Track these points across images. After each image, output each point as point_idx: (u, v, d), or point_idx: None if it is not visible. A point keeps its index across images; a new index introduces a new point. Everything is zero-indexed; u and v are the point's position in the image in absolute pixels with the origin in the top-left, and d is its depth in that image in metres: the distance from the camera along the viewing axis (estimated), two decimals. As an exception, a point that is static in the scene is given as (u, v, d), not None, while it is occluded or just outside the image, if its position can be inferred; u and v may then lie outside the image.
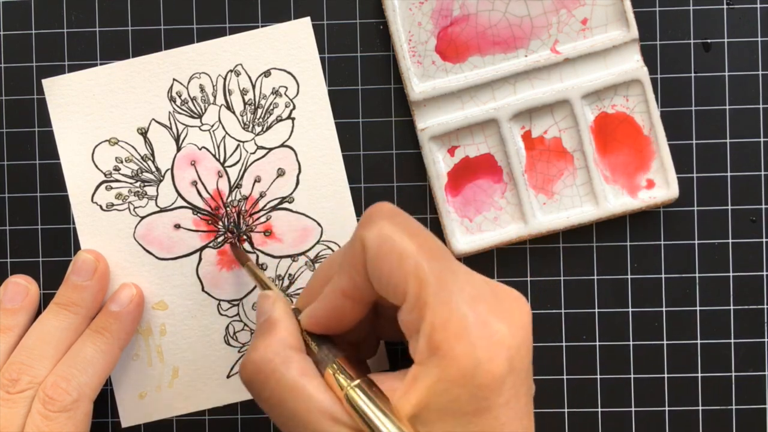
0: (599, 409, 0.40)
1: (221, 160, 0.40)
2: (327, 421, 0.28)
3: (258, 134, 0.40)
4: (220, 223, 0.40)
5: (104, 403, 0.40)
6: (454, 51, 0.40)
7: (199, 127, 0.40)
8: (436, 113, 0.40)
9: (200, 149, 0.40)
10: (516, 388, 0.27)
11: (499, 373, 0.26)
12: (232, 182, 0.40)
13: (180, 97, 0.40)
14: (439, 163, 0.40)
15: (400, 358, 0.40)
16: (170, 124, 0.40)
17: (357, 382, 0.28)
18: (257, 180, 0.40)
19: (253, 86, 0.40)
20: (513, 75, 0.39)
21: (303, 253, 0.40)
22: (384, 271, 0.28)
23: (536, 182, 0.40)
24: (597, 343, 0.40)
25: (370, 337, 0.35)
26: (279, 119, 0.40)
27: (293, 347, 0.30)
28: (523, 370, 0.27)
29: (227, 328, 0.40)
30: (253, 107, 0.40)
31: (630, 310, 0.40)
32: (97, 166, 0.40)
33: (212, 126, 0.40)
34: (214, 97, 0.40)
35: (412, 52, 0.39)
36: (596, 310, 0.40)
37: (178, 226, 0.40)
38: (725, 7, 0.40)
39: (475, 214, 0.40)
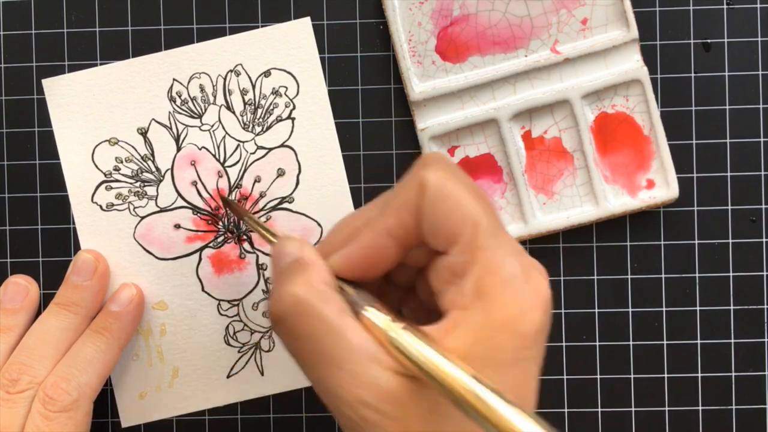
0: (599, 409, 0.40)
1: (221, 160, 0.40)
2: (367, 362, 0.26)
3: (258, 134, 0.40)
4: (220, 223, 0.40)
5: (104, 403, 0.40)
6: (454, 51, 0.40)
7: (199, 127, 0.40)
8: (436, 113, 0.40)
9: (200, 149, 0.40)
10: (543, 344, 0.27)
11: (540, 324, 0.26)
12: (232, 182, 0.40)
13: (180, 97, 0.40)
14: (438, 164, 0.40)
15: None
16: (170, 124, 0.40)
17: (403, 324, 0.26)
18: (257, 180, 0.40)
19: (253, 86, 0.40)
20: (513, 75, 0.39)
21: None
22: (441, 211, 0.27)
23: (536, 182, 0.40)
24: (597, 343, 0.40)
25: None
26: (279, 119, 0.40)
27: (332, 286, 0.29)
28: (546, 328, 0.27)
29: (227, 328, 0.40)
30: (253, 107, 0.40)
31: (630, 310, 0.40)
32: (97, 166, 0.40)
33: (212, 126, 0.40)
34: (214, 97, 0.40)
35: (412, 52, 0.39)
36: (596, 310, 0.40)
37: (178, 226, 0.40)
38: (725, 7, 0.40)
39: (475, 214, 0.40)
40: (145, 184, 0.40)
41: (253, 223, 0.36)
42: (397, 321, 0.27)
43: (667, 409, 0.40)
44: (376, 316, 0.27)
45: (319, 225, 0.40)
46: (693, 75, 0.40)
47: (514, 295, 0.26)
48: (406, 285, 0.32)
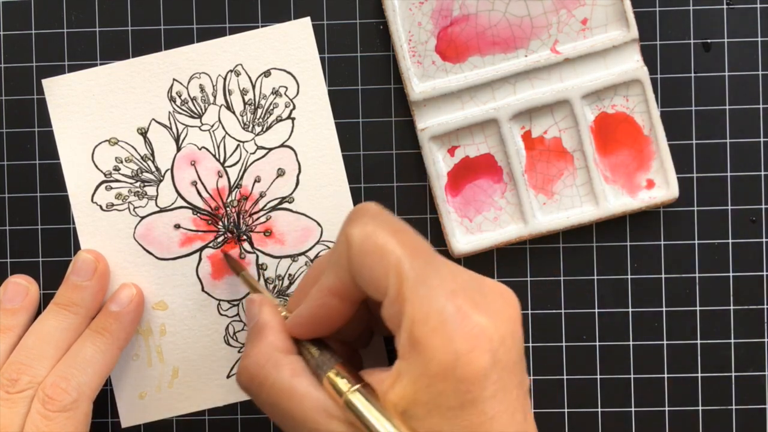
0: (599, 409, 0.40)
1: (221, 160, 0.40)
2: (322, 417, 0.28)
3: (258, 134, 0.40)
4: (220, 223, 0.40)
5: (104, 403, 0.40)
6: (454, 51, 0.40)
7: (199, 127, 0.40)
8: (436, 113, 0.40)
9: (200, 149, 0.40)
10: (503, 382, 0.27)
11: (480, 365, 0.26)
12: (232, 182, 0.40)
13: (180, 97, 0.40)
14: (439, 163, 0.40)
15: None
16: (170, 124, 0.40)
17: (355, 387, 0.28)
18: (257, 180, 0.40)
19: (253, 86, 0.40)
20: (513, 75, 0.39)
21: (303, 253, 0.40)
22: (366, 266, 0.28)
23: (536, 182, 0.40)
24: (597, 343, 0.40)
25: (365, 333, 0.36)
26: (279, 119, 0.40)
27: (282, 350, 0.31)
28: (510, 361, 0.27)
29: (227, 328, 0.40)
30: (253, 107, 0.40)
31: (630, 310, 0.40)
32: (97, 166, 0.40)
33: (212, 126, 0.40)
34: (214, 97, 0.40)
35: (412, 52, 0.39)
36: (596, 310, 0.40)
37: (178, 226, 0.40)
38: (725, 7, 0.40)
39: (475, 214, 0.40)
40: (145, 184, 0.40)
41: (246, 283, 0.38)
42: (352, 382, 0.29)
43: (667, 409, 0.40)
44: (334, 381, 0.29)
45: (319, 225, 0.40)
46: (693, 75, 0.40)
47: (445, 342, 0.26)
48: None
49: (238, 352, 0.40)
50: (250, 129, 0.40)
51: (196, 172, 0.40)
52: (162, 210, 0.40)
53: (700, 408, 0.40)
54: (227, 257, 0.40)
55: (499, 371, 0.27)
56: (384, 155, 0.40)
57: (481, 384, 0.26)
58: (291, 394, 0.29)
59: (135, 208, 0.40)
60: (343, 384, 0.29)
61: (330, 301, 0.30)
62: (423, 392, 0.27)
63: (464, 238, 0.40)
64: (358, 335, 0.35)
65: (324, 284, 0.30)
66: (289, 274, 0.40)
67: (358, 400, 0.28)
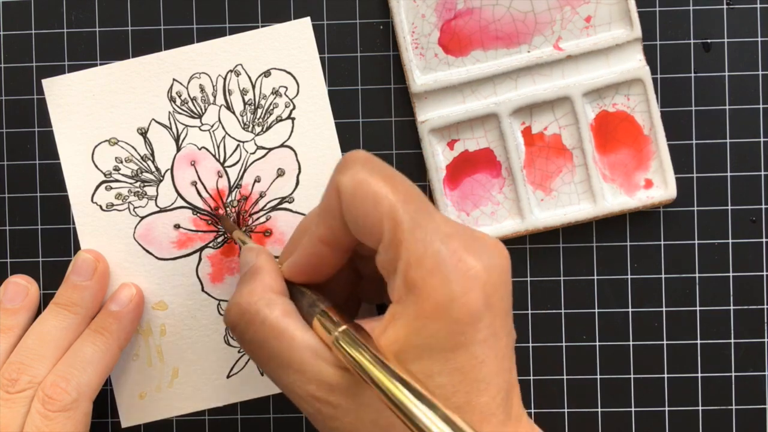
0: (599, 409, 0.40)
1: (221, 160, 0.40)
2: (311, 359, 0.28)
3: (258, 134, 0.40)
4: (220, 223, 0.40)
5: (104, 403, 0.40)
6: (456, 44, 0.40)
7: (199, 127, 0.40)
8: (437, 106, 0.40)
9: (200, 149, 0.40)
10: (494, 327, 0.27)
11: (474, 307, 0.26)
12: (232, 182, 0.40)
13: (180, 97, 0.40)
14: (438, 156, 0.40)
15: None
16: (170, 124, 0.40)
17: (344, 327, 0.28)
18: (257, 180, 0.40)
19: (253, 86, 0.40)
20: (515, 70, 0.39)
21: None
22: (359, 213, 0.28)
23: (534, 178, 0.40)
24: (597, 343, 0.40)
25: (351, 299, 0.35)
26: (279, 119, 0.40)
27: (276, 291, 0.31)
28: (501, 309, 0.27)
29: (227, 328, 0.40)
30: (253, 107, 0.40)
31: (630, 310, 0.40)
32: (97, 166, 0.40)
33: (212, 126, 0.40)
34: (214, 97, 0.40)
35: (415, 44, 0.39)
36: (596, 310, 0.40)
37: (178, 226, 0.40)
38: (725, 7, 0.40)
39: (473, 208, 0.40)
40: (145, 184, 0.40)
41: (240, 242, 0.37)
42: (343, 324, 0.28)
43: (667, 409, 0.40)
44: (322, 322, 0.29)
45: (319, 225, 0.40)
46: (693, 75, 0.40)
47: (440, 283, 0.26)
48: (375, 276, 0.32)
49: (238, 352, 0.40)
50: (250, 129, 0.40)
51: (196, 172, 0.40)
52: (162, 210, 0.40)
53: (700, 408, 0.40)
54: (221, 219, 0.40)
55: (492, 316, 0.27)
56: (384, 155, 0.40)
57: (474, 326, 0.26)
58: (280, 333, 0.29)
59: (135, 208, 0.40)
60: (330, 324, 0.28)
61: (322, 249, 0.30)
62: (416, 334, 0.27)
63: (463, 237, 0.40)
64: (345, 301, 0.35)
65: (315, 233, 0.30)
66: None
67: (348, 339, 0.27)
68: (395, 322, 0.27)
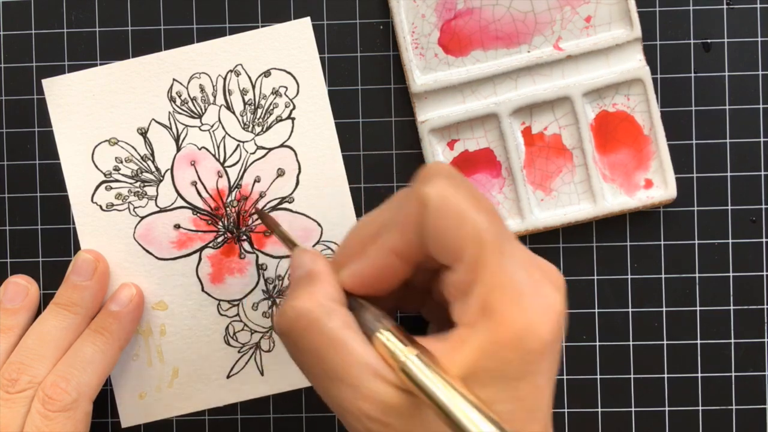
0: (599, 409, 0.40)
1: (221, 160, 0.40)
2: (369, 376, 0.27)
3: (258, 134, 0.40)
4: (220, 223, 0.40)
5: (104, 403, 0.40)
6: (456, 44, 0.40)
7: (198, 127, 0.40)
8: (437, 106, 0.40)
9: (200, 149, 0.40)
10: (554, 357, 0.27)
11: (548, 339, 0.26)
12: (231, 182, 0.40)
13: (180, 97, 0.40)
14: (438, 156, 0.40)
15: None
16: (170, 124, 0.40)
17: (416, 353, 0.27)
18: (257, 180, 0.40)
19: (253, 86, 0.40)
20: (515, 70, 0.39)
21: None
22: (442, 230, 0.27)
23: (534, 178, 0.40)
24: (597, 343, 0.40)
25: (392, 310, 0.34)
26: (279, 119, 0.40)
27: (337, 300, 0.29)
28: (560, 339, 0.27)
29: (227, 328, 0.40)
30: (253, 107, 0.40)
31: (630, 310, 0.40)
32: (97, 166, 0.40)
33: (212, 126, 0.40)
34: (214, 97, 0.40)
35: (415, 44, 0.39)
36: (596, 310, 0.40)
37: (178, 226, 0.40)
38: (725, 7, 0.40)
39: (473, 208, 0.40)
40: (145, 184, 0.40)
41: (282, 238, 0.36)
42: (410, 346, 0.27)
43: (667, 409, 0.40)
44: (389, 341, 0.27)
45: (319, 225, 0.40)
46: (693, 75, 0.40)
47: (520, 312, 0.26)
48: (424, 287, 0.32)
49: (239, 352, 0.40)
50: (250, 129, 0.40)
51: (196, 172, 0.40)
52: (162, 210, 0.40)
53: (700, 408, 0.40)
54: (260, 215, 0.39)
55: (554, 346, 0.27)
56: (384, 155, 0.40)
57: (544, 357, 0.26)
58: (339, 345, 0.27)
59: (135, 208, 0.40)
60: (398, 345, 0.27)
61: (392, 260, 0.29)
62: (487, 361, 0.26)
63: (464, 237, 0.40)
64: (387, 311, 0.34)
65: (386, 243, 0.29)
66: (289, 275, 0.40)
67: (417, 364, 0.26)
68: (465, 346, 0.26)
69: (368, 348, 0.27)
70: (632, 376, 0.40)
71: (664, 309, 0.40)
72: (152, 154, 0.40)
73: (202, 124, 0.40)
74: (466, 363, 0.26)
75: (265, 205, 0.40)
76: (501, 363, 0.26)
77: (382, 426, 0.27)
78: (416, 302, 0.33)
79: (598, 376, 0.40)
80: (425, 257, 0.29)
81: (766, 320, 0.40)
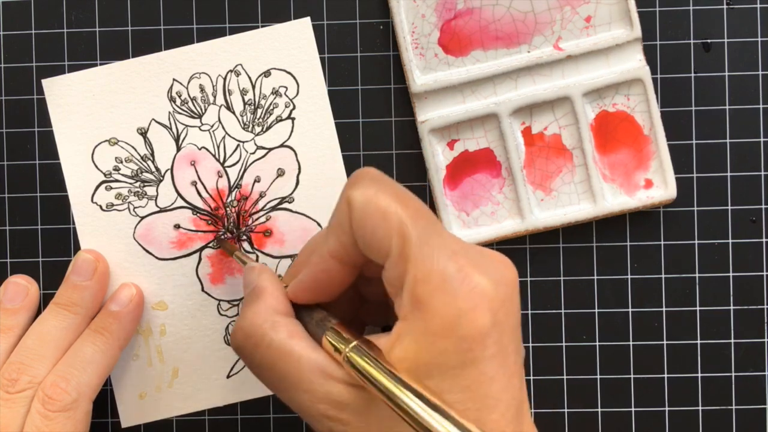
0: (599, 409, 0.40)
1: (221, 160, 0.40)
2: (319, 378, 0.28)
3: (258, 134, 0.40)
4: (220, 223, 0.40)
5: (104, 403, 0.40)
6: (456, 44, 0.40)
7: (198, 127, 0.40)
8: (437, 106, 0.40)
9: (200, 149, 0.40)
10: (502, 344, 0.27)
11: (482, 324, 0.26)
12: (231, 182, 0.40)
13: (180, 97, 0.40)
14: (438, 156, 0.40)
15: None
16: (170, 124, 0.40)
17: (354, 342, 0.28)
18: (257, 180, 0.40)
19: (253, 86, 0.40)
20: (515, 70, 0.39)
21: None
22: (368, 228, 0.28)
23: (534, 178, 0.40)
24: (597, 343, 0.40)
25: (355, 322, 0.35)
26: (279, 119, 0.40)
27: (281, 312, 0.31)
28: (509, 326, 0.27)
29: (227, 328, 0.40)
30: (253, 107, 0.40)
31: (630, 310, 0.40)
32: (97, 166, 0.40)
33: (212, 126, 0.40)
34: (214, 97, 0.40)
35: (415, 44, 0.40)
36: (596, 310, 0.40)
37: (177, 226, 0.40)
38: (725, 7, 0.40)
39: (473, 208, 0.40)
40: (145, 184, 0.40)
41: (240, 261, 0.37)
42: (353, 339, 0.28)
43: (667, 409, 0.40)
44: (332, 338, 0.29)
45: (319, 225, 0.40)
46: (693, 75, 0.40)
47: (448, 300, 0.26)
48: (379, 299, 0.32)
49: (238, 352, 0.40)
50: (250, 129, 0.40)
51: (196, 172, 0.40)
52: (162, 210, 0.40)
53: (700, 408, 0.40)
54: (219, 241, 0.40)
55: (499, 333, 0.27)
56: (384, 155, 0.40)
57: (482, 343, 0.26)
58: (287, 354, 0.29)
59: (135, 208, 0.40)
60: (340, 340, 0.28)
61: (331, 265, 0.30)
62: (424, 352, 0.26)
63: (461, 232, 0.40)
64: (348, 322, 0.35)
65: (324, 248, 0.30)
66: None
67: (359, 354, 0.27)
68: (402, 340, 0.27)
69: (316, 351, 0.29)
70: (632, 376, 0.40)
71: (664, 309, 0.40)
72: (152, 154, 0.40)
73: (202, 124, 0.40)
74: (405, 355, 0.27)
75: (265, 205, 0.40)
76: (437, 353, 0.26)
77: (341, 424, 0.28)
78: (380, 315, 0.34)
79: (598, 376, 0.40)
80: (364, 259, 0.30)
81: (766, 320, 0.40)
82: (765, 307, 0.40)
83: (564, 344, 0.40)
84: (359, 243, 0.29)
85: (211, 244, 0.40)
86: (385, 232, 0.28)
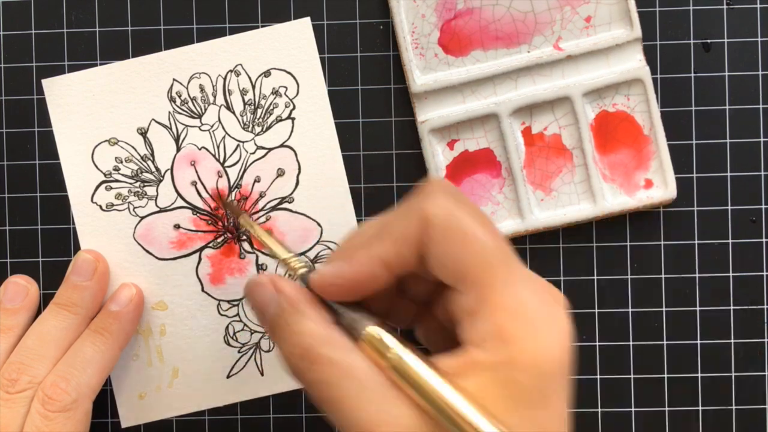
0: (599, 409, 0.40)
1: (221, 160, 0.40)
2: (385, 401, 0.26)
3: (258, 134, 0.40)
4: (220, 223, 0.40)
5: (104, 403, 0.40)
6: (456, 44, 0.40)
7: (198, 127, 0.40)
8: (437, 106, 0.40)
9: (200, 149, 0.40)
10: (566, 379, 0.27)
11: (564, 361, 0.26)
12: (231, 182, 0.40)
13: (180, 97, 0.40)
14: (438, 156, 0.40)
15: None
16: (170, 124, 0.40)
17: (408, 349, 0.26)
18: (257, 180, 0.40)
19: (253, 86, 0.40)
20: (515, 70, 0.39)
21: (303, 254, 0.40)
22: (449, 248, 0.27)
23: (534, 178, 0.40)
24: (597, 343, 0.40)
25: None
26: (279, 119, 0.40)
27: (326, 324, 0.28)
28: (570, 361, 0.27)
29: (227, 328, 0.40)
30: (252, 107, 0.40)
31: (630, 310, 0.40)
32: (97, 166, 0.40)
33: (212, 126, 0.40)
34: (214, 97, 0.40)
35: (415, 44, 0.40)
36: (596, 310, 0.40)
37: (177, 226, 0.40)
38: (725, 7, 0.40)
39: (473, 208, 0.40)
40: (145, 184, 0.40)
41: (248, 226, 0.35)
42: (403, 344, 0.26)
43: (667, 409, 0.40)
44: (380, 336, 0.27)
45: (319, 225, 0.40)
46: (693, 75, 0.40)
47: (536, 338, 0.26)
48: (422, 299, 0.31)
49: (239, 351, 0.40)
50: (250, 129, 0.40)
51: (196, 172, 0.40)
52: (162, 210, 0.40)
53: (700, 408, 0.40)
54: (226, 205, 0.38)
55: (566, 369, 0.26)
56: (384, 155, 0.40)
57: (557, 380, 0.26)
58: (348, 373, 0.27)
59: (135, 208, 0.40)
60: (390, 341, 0.26)
61: (378, 270, 0.28)
62: (500, 383, 0.26)
63: (464, 238, 0.40)
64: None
65: (376, 252, 0.28)
66: (289, 275, 0.40)
67: (416, 362, 0.26)
68: (477, 369, 0.26)
69: (374, 371, 0.27)
70: (632, 376, 0.40)
71: (664, 309, 0.40)
72: (152, 154, 0.40)
73: (202, 124, 0.40)
74: (477, 385, 0.26)
75: (265, 205, 0.40)
76: (513, 386, 0.25)
77: None
78: (408, 314, 0.32)
79: (598, 376, 0.40)
80: (413, 272, 0.28)
81: (766, 320, 0.40)
82: (765, 307, 0.40)
83: (564, 344, 0.40)
84: (431, 261, 0.27)
85: (211, 244, 0.40)
86: (469, 256, 0.26)
